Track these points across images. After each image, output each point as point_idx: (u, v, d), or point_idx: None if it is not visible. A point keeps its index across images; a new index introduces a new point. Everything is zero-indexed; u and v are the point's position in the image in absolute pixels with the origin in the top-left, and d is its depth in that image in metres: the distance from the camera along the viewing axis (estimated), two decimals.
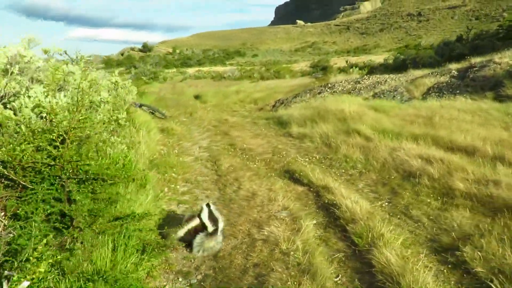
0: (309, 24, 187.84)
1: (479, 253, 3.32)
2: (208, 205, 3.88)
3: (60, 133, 3.04)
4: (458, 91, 10.25)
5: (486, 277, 3.06)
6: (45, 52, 7.16)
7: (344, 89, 13.85)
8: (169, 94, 22.12)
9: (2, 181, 3.10)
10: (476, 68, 11.47)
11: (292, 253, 3.59)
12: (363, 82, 14.03)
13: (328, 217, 4.51)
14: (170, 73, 55.81)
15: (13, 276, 2.16)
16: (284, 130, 9.79)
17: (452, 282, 3.14)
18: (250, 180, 5.79)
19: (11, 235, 2.82)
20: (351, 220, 4.17)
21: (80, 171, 3.09)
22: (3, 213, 3.00)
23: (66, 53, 8.82)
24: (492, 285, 2.93)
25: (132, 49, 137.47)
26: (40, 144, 3.07)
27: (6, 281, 2.23)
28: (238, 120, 12.32)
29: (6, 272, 2.24)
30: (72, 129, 3.11)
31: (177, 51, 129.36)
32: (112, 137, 4.39)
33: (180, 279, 3.38)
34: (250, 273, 3.37)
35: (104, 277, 2.88)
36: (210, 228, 3.73)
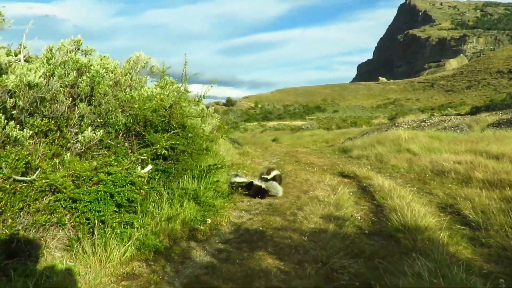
0: (391, 81, 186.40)
1: (469, 203, 4.34)
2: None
3: (170, 103, 4.69)
4: None
5: (469, 215, 4.09)
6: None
7: (410, 126, 14.74)
8: (249, 138, 24.24)
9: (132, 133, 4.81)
10: None
11: (326, 200, 4.83)
12: (428, 121, 14.83)
13: (363, 192, 5.68)
14: (251, 126, 59.01)
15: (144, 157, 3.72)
16: (346, 154, 10.99)
17: (446, 220, 4.17)
18: (306, 174, 7.10)
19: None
20: (378, 190, 5.33)
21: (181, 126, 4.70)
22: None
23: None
24: (470, 216, 3.98)
25: (217, 103, 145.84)
26: (156, 108, 4.71)
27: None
28: (307, 151, 13.68)
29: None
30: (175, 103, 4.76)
31: (259, 105, 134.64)
32: (203, 124, 6.05)
33: (243, 212, 4.75)
34: (292, 209, 4.68)
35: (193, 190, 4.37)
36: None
